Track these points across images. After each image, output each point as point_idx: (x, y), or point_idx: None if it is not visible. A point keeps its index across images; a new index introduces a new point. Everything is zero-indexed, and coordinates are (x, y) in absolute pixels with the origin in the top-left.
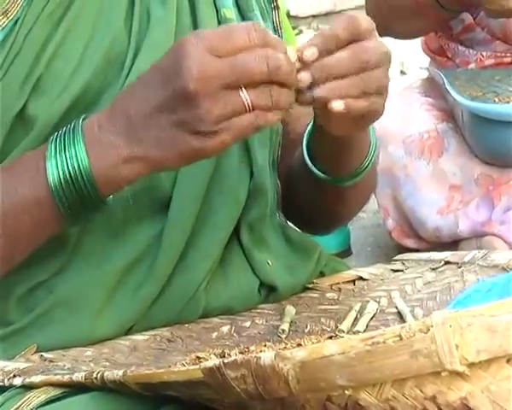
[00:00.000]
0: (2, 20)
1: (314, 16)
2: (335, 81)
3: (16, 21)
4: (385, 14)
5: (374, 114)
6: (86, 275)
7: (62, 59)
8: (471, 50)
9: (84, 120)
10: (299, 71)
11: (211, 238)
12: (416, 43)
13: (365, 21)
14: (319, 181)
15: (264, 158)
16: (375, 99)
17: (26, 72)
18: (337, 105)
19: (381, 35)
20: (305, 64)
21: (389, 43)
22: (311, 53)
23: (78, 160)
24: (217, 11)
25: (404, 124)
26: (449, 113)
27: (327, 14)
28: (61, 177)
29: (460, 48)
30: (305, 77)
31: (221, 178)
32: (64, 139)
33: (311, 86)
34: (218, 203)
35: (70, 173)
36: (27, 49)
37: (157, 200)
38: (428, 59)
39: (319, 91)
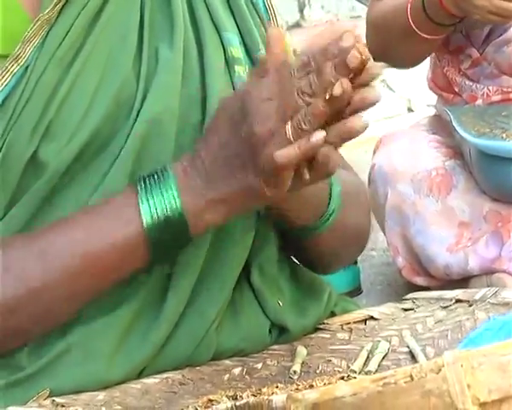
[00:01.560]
0: (14, 66)
1: None
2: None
3: (27, 67)
4: (384, 38)
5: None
6: (97, 319)
7: (72, 104)
8: (478, 85)
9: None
10: None
11: (220, 280)
12: (423, 81)
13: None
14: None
15: None
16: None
17: (36, 117)
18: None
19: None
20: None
21: (396, 80)
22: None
23: (171, 203)
24: (224, 50)
25: (413, 162)
26: (457, 150)
27: None
28: (155, 218)
29: (467, 82)
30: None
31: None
32: (155, 183)
33: None
34: (226, 245)
35: (164, 216)
36: (38, 95)
37: None
38: (435, 96)
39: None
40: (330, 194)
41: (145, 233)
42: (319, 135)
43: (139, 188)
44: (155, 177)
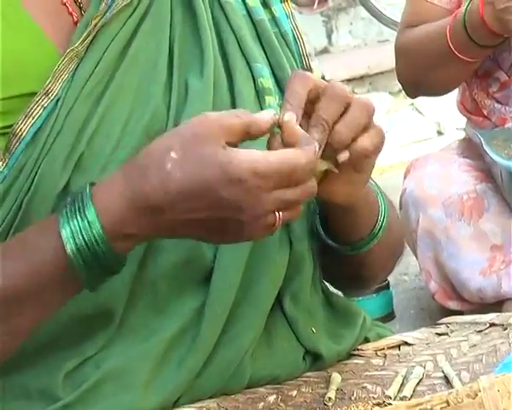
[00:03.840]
0: (44, 100)
1: (349, 80)
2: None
3: (57, 101)
4: (416, 68)
5: (382, 145)
6: (132, 349)
7: (103, 136)
8: (507, 107)
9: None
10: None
11: (254, 308)
12: (452, 104)
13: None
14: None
15: (302, 228)
16: (376, 127)
17: (68, 150)
18: (343, 156)
19: (414, 95)
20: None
21: (426, 103)
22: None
23: (90, 226)
24: (254, 81)
25: (444, 186)
26: (487, 173)
27: (362, 78)
28: (77, 243)
29: (496, 105)
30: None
31: (262, 248)
32: (76, 206)
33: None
34: (260, 273)
35: (85, 240)
36: (69, 128)
37: (199, 272)
38: (465, 119)
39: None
40: (379, 202)
41: (67, 258)
42: None
43: (61, 212)
44: (77, 199)
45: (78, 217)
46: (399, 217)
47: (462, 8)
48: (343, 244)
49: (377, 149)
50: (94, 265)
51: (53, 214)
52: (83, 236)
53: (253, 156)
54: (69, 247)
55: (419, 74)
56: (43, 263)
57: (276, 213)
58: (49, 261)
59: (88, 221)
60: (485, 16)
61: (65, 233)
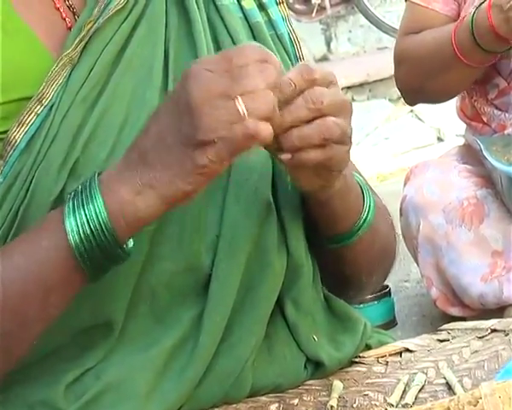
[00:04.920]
0: (38, 107)
1: (348, 87)
2: (296, 130)
3: (51, 107)
4: (418, 74)
5: (336, 164)
6: (133, 359)
7: (98, 142)
8: (506, 114)
9: (99, 174)
10: None
11: (253, 315)
12: (452, 111)
13: (322, 71)
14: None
15: (298, 232)
16: (336, 148)
17: (63, 156)
18: (285, 156)
19: (414, 101)
20: None
21: (426, 110)
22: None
23: (96, 213)
24: None
25: (444, 192)
26: (487, 178)
27: (361, 85)
28: (81, 234)
29: (495, 112)
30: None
31: (260, 254)
32: (82, 196)
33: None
34: (258, 280)
35: (91, 229)
36: (63, 134)
37: (197, 280)
38: (464, 126)
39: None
40: (363, 199)
41: (72, 248)
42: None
43: (67, 204)
44: (83, 190)
45: (85, 207)
46: (400, 226)
47: (469, 13)
48: (323, 237)
49: (322, 166)
50: (97, 255)
51: (58, 208)
52: (89, 226)
53: None
54: (72, 238)
55: (420, 81)
56: (47, 257)
57: (237, 102)
58: (53, 256)
59: (95, 211)
60: (492, 19)
61: (69, 224)
